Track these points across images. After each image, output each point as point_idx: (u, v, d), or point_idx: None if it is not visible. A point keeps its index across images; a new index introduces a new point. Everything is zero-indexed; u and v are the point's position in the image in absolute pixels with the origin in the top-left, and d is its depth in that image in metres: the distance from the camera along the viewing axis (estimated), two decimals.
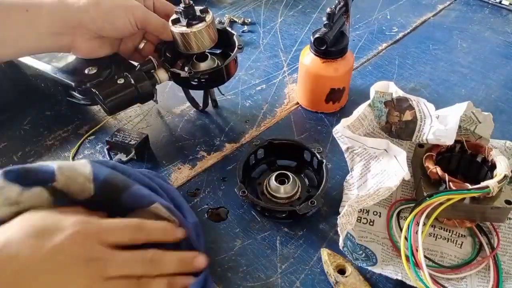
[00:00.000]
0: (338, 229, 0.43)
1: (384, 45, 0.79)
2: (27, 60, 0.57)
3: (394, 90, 0.50)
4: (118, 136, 0.56)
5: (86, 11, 0.49)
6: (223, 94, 0.66)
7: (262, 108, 0.65)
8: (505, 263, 0.44)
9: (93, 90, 0.52)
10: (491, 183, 0.42)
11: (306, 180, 0.53)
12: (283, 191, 0.49)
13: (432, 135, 0.47)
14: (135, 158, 0.55)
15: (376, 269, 0.43)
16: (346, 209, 0.42)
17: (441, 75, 0.72)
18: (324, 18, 0.57)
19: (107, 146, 0.56)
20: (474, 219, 0.46)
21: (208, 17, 0.53)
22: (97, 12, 0.49)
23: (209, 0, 0.92)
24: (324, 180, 0.49)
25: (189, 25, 0.52)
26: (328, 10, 0.56)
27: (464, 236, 0.47)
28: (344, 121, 0.49)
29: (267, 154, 0.55)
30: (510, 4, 0.87)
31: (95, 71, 0.54)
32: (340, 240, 0.43)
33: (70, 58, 0.56)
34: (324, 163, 0.50)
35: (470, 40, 0.80)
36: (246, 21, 0.84)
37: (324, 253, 0.45)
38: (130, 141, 0.56)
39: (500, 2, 0.88)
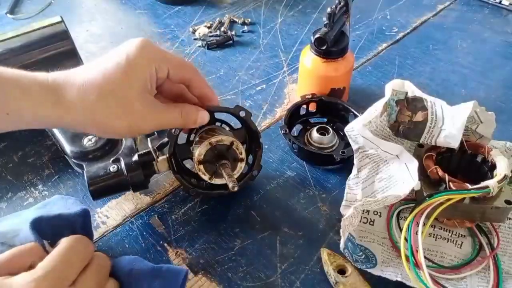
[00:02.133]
0: (341, 230, 0.43)
1: (384, 45, 0.79)
2: None
3: (411, 89, 0.49)
4: None
5: (79, 124, 0.40)
6: None
7: (262, 108, 0.65)
8: (505, 263, 0.44)
9: (84, 171, 0.48)
10: (491, 183, 0.42)
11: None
12: (324, 141, 0.56)
13: (442, 139, 0.47)
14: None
15: (376, 271, 0.43)
16: (351, 211, 0.42)
17: (441, 75, 0.72)
18: (325, 18, 0.57)
19: None
20: (474, 219, 0.46)
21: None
22: (91, 126, 0.40)
23: (209, 0, 0.92)
24: None
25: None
26: (329, 10, 0.56)
27: (464, 236, 0.47)
28: (362, 120, 0.48)
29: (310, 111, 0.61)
30: (510, 4, 0.87)
31: (93, 143, 0.51)
32: (342, 241, 0.43)
33: None
34: None
35: (470, 40, 0.80)
36: (246, 21, 0.84)
37: (324, 253, 0.45)
38: None
39: (500, 2, 0.88)
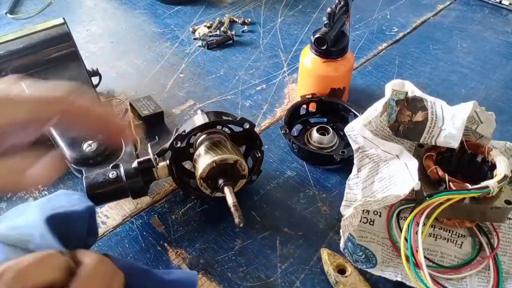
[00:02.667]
0: (341, 230, 0.43)
1: (384, 45, 0.79)
2: None
3: (411, 89, 0.49)
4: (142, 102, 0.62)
5: None
6: None
7: (262, 108, 0.65)
8: (505, 263, 0.44)
9: (83, 177, 0.47)
10: (491, 183, 0.42)
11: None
12: (324, 141, 0.56)
13: (442, 138, 0.47)
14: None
15: (376, 271, 0.43)
16: (351, 211, 0.42)
17: (441, 75, 0.72)
18: (325, 18, 0.57)
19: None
20: (474, 219, 0.46)
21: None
22: None
23: (209, 0, 0.92)
24: None
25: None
26: (329, 10, 0.56)
27: (464, 236, 0.47)
28: (362, 120, 0.48)
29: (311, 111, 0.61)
30: (510, 4, 0.87)
31: (94, 148, 0.50)
32: (342, 241, 0.43)
33: None
34: None
35: (470, 40, 0.80)
36: (246, 21, 0.84)
37: (324, 253, 0.45)
38: (144, 110, 0.60)
39: (500, 2, 0.88)
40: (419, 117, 0.48)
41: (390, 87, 0.49)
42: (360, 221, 0.48)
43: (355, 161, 0.49)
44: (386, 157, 0.47)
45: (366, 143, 0.47)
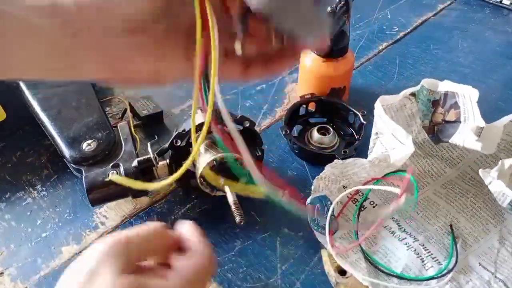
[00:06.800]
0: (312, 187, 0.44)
1: (385, 44, 0.78)
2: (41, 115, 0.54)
3: (445, 89, 0.48)
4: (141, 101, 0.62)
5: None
6: None
7: (262, 108, 0.65)
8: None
9: (82, 177, 0.47)
10: None
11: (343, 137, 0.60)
12: (325, 141, 0.56)
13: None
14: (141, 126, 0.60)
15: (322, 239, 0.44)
16: (328, 171, 0.42)
17: (441, 74, 0.71)
18: None
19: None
20: None
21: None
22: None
23: None
24: (360, 137, 0.55)
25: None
26: (329, 9, 0.56)
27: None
28: (382, 100, 0.47)
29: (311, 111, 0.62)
30: (511, 3, 0.87)
31: (93, 147, 0.50)
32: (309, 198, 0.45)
33: (78, 123, 0.52)
34: (364, 124, 0.56)
35: (470, 40, 0.79)
36: None
37: (325, 253, 0.45)
38: (143, 110, 0.60)
39: (500, 2, 0.88)
40: (451, 116, 0.46)
41: (424, 84, 0.48)
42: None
43: (369, 146, 0.48)
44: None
45: (382, 127, 0.46)
